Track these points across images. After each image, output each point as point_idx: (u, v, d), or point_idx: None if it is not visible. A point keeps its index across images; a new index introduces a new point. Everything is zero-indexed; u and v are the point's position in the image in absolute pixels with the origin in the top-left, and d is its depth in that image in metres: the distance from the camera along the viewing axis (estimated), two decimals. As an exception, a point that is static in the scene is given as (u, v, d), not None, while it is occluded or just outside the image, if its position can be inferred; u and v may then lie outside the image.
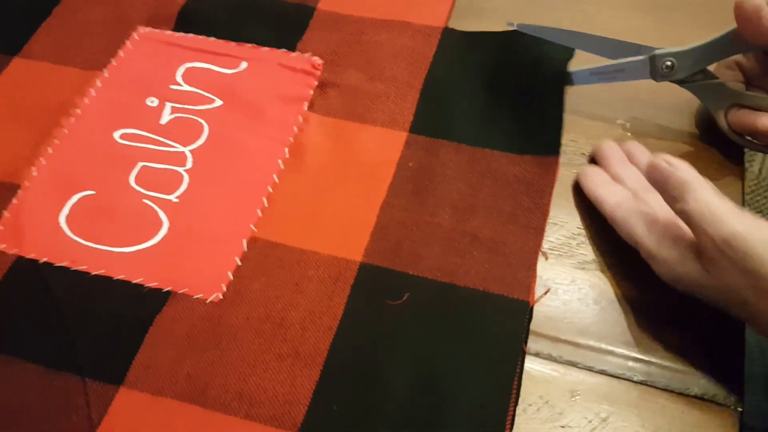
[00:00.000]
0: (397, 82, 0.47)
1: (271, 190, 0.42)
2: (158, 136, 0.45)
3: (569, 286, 0.39)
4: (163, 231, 0.41)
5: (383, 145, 0.44)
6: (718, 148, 0.43)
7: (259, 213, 0.41)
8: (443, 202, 0.42)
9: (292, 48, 0.49)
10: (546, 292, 0.38)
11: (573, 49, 0.45)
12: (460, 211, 0.42)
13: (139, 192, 0.43)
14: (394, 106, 0.46)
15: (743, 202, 0.41)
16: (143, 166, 0.44)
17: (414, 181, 0.43)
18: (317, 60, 0.48)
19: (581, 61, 0.44)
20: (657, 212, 0.36)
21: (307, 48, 0.49)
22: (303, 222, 0.41)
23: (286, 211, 0.41)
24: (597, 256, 0.40)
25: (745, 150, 0.43)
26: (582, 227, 0.41)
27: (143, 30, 0.51)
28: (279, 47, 0.49)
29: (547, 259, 0.40)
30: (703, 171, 0.34)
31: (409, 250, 0.40)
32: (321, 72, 0.48)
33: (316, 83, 0.47)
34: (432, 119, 0.46)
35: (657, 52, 0.41)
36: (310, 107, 0.46)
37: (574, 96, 0.44)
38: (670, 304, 0.37)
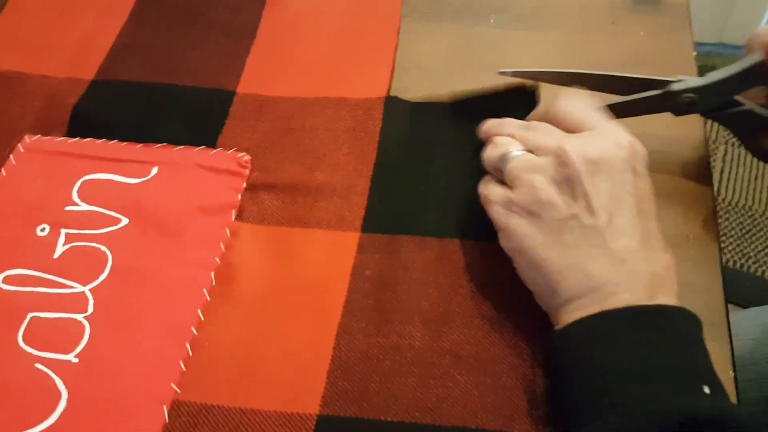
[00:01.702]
0: (341, 171, 0.40)
1: (195, 332, 0.34)
2: (51, 275, 0.36)
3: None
4: (61, 405, 0.32)
5: (332, 253, 0.37)
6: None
7: (182, 366, 0.33)
8: (412, 316, 0.34)
9: (212, 144, 0.41)
10: (555, 425, 0.31)
11: (535, 88, 0.40)
12: (435, 325, 0.34)
13: (29, 354, 0.33)
14: (341, 202, 0.39)
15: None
16: (34, 318, 0.35)
17: (374, 295, 0.35)
18: (244, 156, 0.40)
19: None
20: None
21: (230, 142, 0.41)
22: (240, 371, 0.32)
23: (216, 360, 0.33)
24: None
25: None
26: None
27: (30, 139, 0.42)
28: (196, 145, 0.41)
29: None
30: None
31: (378, 388, 0.32)
32: (249, 170, 0.40)
33: (245, 185, 0.39)
34: (387, 211, 0.38)
35: (675, 86, 0.37)
36: (239, 216, 0.38)
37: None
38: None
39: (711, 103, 0.37)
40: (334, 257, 0.36)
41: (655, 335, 0.28)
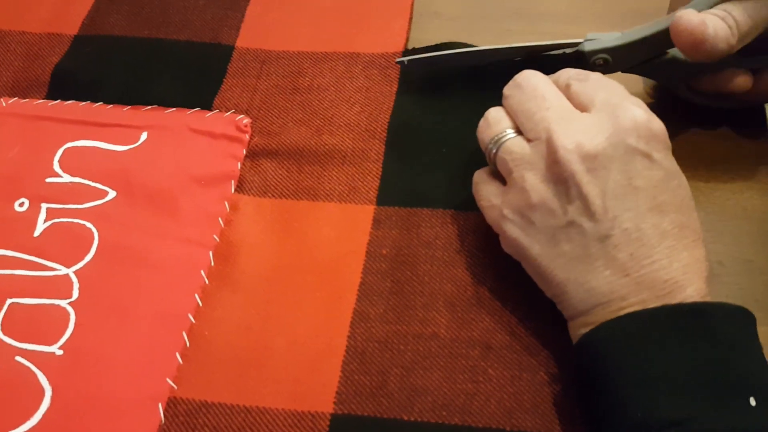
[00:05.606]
0: (353, 134, 0.36)
1: (193, 319, 0.30)
2: (31, 255, 0.32)
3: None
4: (45, 404, 0.28)
5: (344, 229, 0.33)
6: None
7: (179, 358, 0.29)
8: (436, 301, 0.31)
9: (207, 106, 0.37)
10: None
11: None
12: (462, 310, 0.30)
13: (9, 345, 0.30)
14: (353, 170, 0.34)
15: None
16: (12, 305, 0.31)
17: (392, 276, 0.31)
18: (243, 119, 0.36)
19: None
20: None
21: (228, 103, 0.37)
22: (243, 364, 0.29)
23: (217, 351, 0.29)
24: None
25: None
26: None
27: (6, 102, 0.38)
28: (190, 106, 0.37)
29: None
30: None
31: (400, 383, 0.28)
32: (250, 135, 0.36)
33: (245, 152, 0.35)
34: (405, 181, 0.34)
35: (586, 46, 0.33)
36: (239, 188, 0.34)
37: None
38: None
39: (627, 62, 0.33)
40: (346, 234, 0.32)
41: (682, 338, 0.24)
